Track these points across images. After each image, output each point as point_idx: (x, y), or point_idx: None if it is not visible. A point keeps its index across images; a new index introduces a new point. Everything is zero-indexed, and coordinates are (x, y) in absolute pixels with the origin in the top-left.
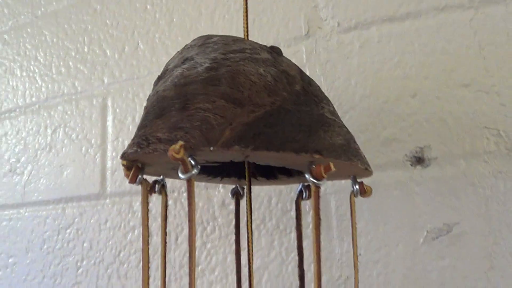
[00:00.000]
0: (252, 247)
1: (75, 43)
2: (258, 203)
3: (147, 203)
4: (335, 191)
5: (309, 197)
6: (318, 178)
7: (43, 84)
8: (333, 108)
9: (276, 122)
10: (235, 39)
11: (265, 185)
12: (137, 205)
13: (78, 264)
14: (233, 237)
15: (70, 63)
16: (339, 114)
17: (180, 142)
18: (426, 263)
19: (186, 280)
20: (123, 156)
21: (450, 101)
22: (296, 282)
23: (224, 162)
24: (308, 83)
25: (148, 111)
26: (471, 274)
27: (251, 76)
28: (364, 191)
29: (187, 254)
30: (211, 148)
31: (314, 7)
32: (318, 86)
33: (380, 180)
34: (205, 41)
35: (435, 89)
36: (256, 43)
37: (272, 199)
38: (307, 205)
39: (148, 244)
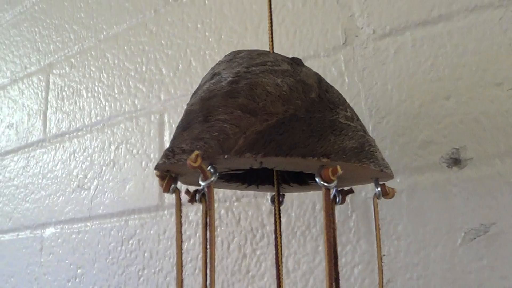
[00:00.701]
0: (281, 252)
1: (134, 64)
2: (303, 209)
3: (180, 211)
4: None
5: (342, 201)
6: (327, 180)
7: (106, 104)
8: (352, 113)
9: (287, 129)
10: (261, 53)
11: (299, 191)
12: (192, 215)
13: (140, 273)
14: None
15: (130, 82)
16: (377, 119)
17: (196, 152)
18: (464, 264)
19: (238, 286)
20: (156, 167)
21: (483, 101)
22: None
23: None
24: (325, 90)
25: (178, 125)
26: (510, 274)
27: (267, 87)
28: (386, 193)
29: (239, 261)
30: (225, 156)
31: (351, 17)
32: (338, 93)
33: (418, 182)
34: (234, 56)
35: (468, 89)
36: (280, 56)
37: (316, 205)
38: (348, 210)
39: (181, 249)
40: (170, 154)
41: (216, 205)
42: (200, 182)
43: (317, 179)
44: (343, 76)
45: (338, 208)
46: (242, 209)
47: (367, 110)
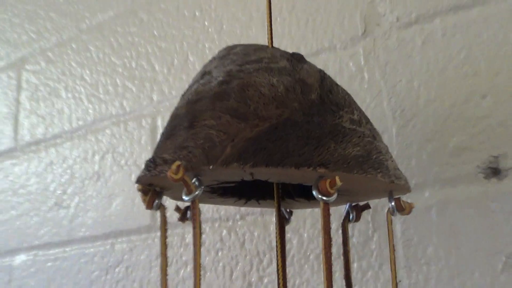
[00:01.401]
0: (283, 277)
1: (121, 58)
2: (317, 229)
3: (165, 230)
4: None
5: (357, 218)
6: (325, 193)
7: (89, 106)
8: (360, 116)
9: (280, 135)
10: (257, 48)
11: (308, 207)
12: (190, 237)
13: None
14: (292, 270)
15: (118, 80)
16: (402, 122)
17: (177, 162)
18: None
19: None
20: (137, 180)
21: None
22: None
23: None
24: (328, 91)
25: (162, 132)
26: None
27: (261, 88)
28: (401, 208)
29: None
30: (211, 167)
31: (371, 2)
32: (344, 93)
33: (450, 197)
34: (228, 52)
35: (508, 86)
36: (279, 51)
37: (333, 223)
38: (369, 230)
39: (166, 275)
40: (151, 165)
41: (217, 224)
42: (184, 197)
43: (314, 192)
44: (362, 72)
45: (357, 228)
46: (247, 229)
47: (390, 112)
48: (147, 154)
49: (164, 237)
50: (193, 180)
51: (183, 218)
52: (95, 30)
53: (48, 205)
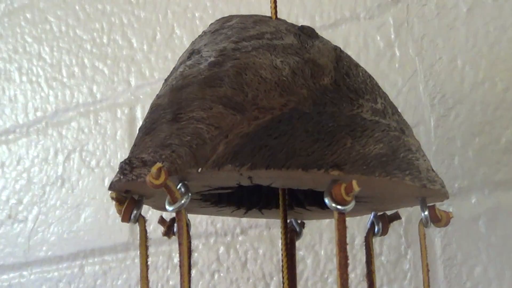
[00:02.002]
0: None
1: (90, 32)
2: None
3: (146, 247)
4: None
5: (383, 232)
6: (340, 201)
7: (50, 92)
8: (385, 105)
9: (285, 130)
10: (258, 20)
11: (322, 218)
12: (178, 256)
13: None
14: None
15: (85, 60)
16: (442, 111)
17: (158, 164)
18: None
19: None
20: (110, 186)
21: None
22: None
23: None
24: (344, 74)
25: (141, 126)
26: None
27: (261, 71)
28: (437, 219)
29: None
30: (199, 170)
31: None
32: (366, 76)
33: (503, 203)
34: (221, 26)
35: None
36: (284, 24)
37: (356, 238)
38: (402, 246)
39: None
40: (127, 167)
41: (212, 239)
42: (167, 207)
43: (326, 200)
44: (393, 47)
45: (387, 244)
46: (249, 246)
47: (427, 98)
48: (124, 153)
49: (145, 256)
50: (178, 186)
51: (168, 232)
52: None
53: (0, 219)
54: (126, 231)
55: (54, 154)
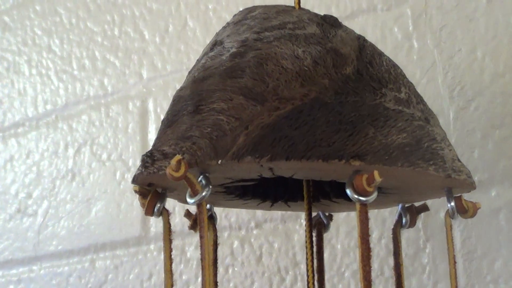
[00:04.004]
0: None
1: (101, 24)
2: (354, 239)
3: (170, 241)
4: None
5: (411, 223)
6: (362, 192)
7: (60, 85)
8: (409, 94)
9: (306, 120)
10: (280, 11)
11: (348, 210)
12: (192, 249)
13: None
14: None
15: (96, 52)
16: (461, 103)
17: (178, 156)
18: None
19: None
20: (133, 180)
21: None
22: None
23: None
24: (368, 62)
25: (163, 118)
26: None
27: (283, 61)
28: (464, 210)
29: None
30: (219, 162)
31: None
32: (390, 65)
33: None
34: (244, 17)
35: None
36: (307, 14)
37: (373, 231)
38: (420, 240)
39: None
40: (148, 160)
41: (226, 233)
42: (188, 199)
43: (347, 191)
44: (411, 39)
45: (405, 237)
46: (264, 240)
47: (446, 90)
48: (136, 146)
49: (168, 249)
50: (199, 179)
51: (194, 225)
52: None
53: (9, 213)
54: (137, 225)
55: (64, 147)
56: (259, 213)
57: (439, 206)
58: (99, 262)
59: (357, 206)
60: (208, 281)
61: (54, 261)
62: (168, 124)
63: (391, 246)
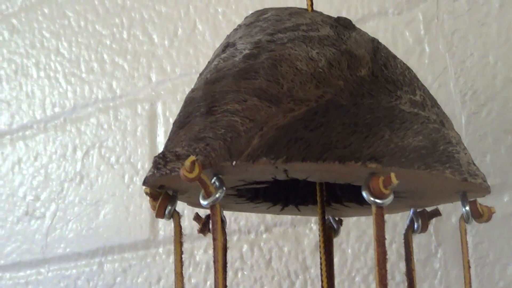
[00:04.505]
0: None
1: (110, 27)
2: (364, 243)
3: (181, 244)
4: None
5: (423, 228)
6: (378, 195)
7: (68, 88)
8: (424, 97)
9: (321, 122)
10: (293, 13)
11: (360, 215)
12: (201, 253)
13: None
14: None
15: (105, 55)
16: (473, 108)
17: (192, 157)
18: None
19: None
20: (144, 182)
21: None
22: None
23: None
24: (382, 65)
25: (175, 119)
26: None
27: (297, 63)
28: (478, 215)
29: None
30: (233, 163)
31: None
32: (404, 68)
33: None
34: (256, 19)
35: None
36: (320, 16)
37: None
38: (432, 244)
39: None
40: (161, 161)
41: (235, 237)
42: (201, 201)
43: (363, 193)
44: (422, 43)
45: (416, 242)
46: (274, 244)
47: (458, 94)
48: (145, 149)
49: (179, 252)
50: (213, 180)
51: (203, 229)
52: None
53: (17, 215)
54: (146, 228)
55: (72, 150)
56: (269, 217)
57: (451, 211)
58: (107, 265)
59: (373, 208)
60: (222, 284)
61: (62, 263)
62: (181, 125)
63: (402, 250)
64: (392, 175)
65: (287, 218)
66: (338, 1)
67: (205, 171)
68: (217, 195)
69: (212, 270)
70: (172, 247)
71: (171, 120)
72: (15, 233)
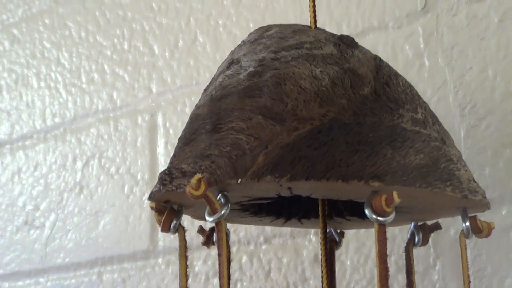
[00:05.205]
0: None
1: (110, 38)
2: (363, 255)
3: (186, 257)
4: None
5: (423, 241)
6: (380, 213)
7: (69, 98)
8: (425, 115)
9: (324, 141)
10: (297, 30)
11: (360, 228)
12: (200, 264)
13: None
14: None
15: (105, 66)
16: (472, 121)
17: (198, 175)
18: None
19: None
20: (150, 197)
21: None
22: None
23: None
24: (384, 83)
25: (181, 136)
26: None
27: (301, 81)
28: (478, 230)
29: None
30: (239, 181)
31: None
32: (406, 86)
33: None
34: (260, 35)
35: None
36: (323, 33)
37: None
38: (430, 257)
39: None
40: (167, 178)
41: (234, 248)
42: (207, 217)
43: (366, 211)
44: (422, 57)
45: (415, 254)
46: (273, 255)
47: (457, 108)
48: (144, 160)
49: (184, 266)
50: (218, 197)
51: (207, 241)
52: (75, 0)
53: (16, 225)
54: (146, 239)
55: (72, 160)
56: (268, 228)
57: (450, 223)
58: (106, 275)
59: (376, 226)
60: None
61: (61, 273)
62: (186, 142)
63: (400, 263)
64: (394, 193)
65: (286, 229)
66: (338, 15)
67: (210, 188)
68: (222, 212)
69: (211, 280)
70: (171, 257)
71: (171, 131)
72: (14, 243)
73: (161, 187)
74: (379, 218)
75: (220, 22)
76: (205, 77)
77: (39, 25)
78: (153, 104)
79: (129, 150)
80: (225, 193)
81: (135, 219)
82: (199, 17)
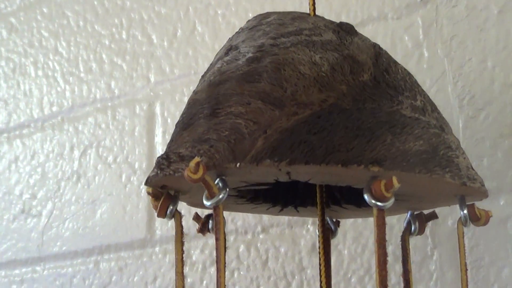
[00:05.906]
0: None
1: (109, 27)
2: (360, 245)
3: (182, 243)
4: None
5: (420, 230)
6: (380, 198)
7: (66, 87)
8: (424, 102)
9: (324, 126)
10: (296, 17)
11: (358, 217)
12: (197, 253)
13: None
14: None
15: (103, 55)
16: (471, 112)
17: (197, 159)
18: None
19: None
20: (147, 182)
21: None
22: None
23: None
24: (384, 70)
25: (178, 121)
26: None
27: (300, 67)
28: (476, 218)
29: None
30: (238, 165)
31: None
32: (405, 73)
33: None
34: (259, 22)
35: None
36: (322, 21)
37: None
38: (428, 247)
39: None
40: (164, 162)
41: (232, 237)
42: (204, 202)
43: (365, 196)
44: (421, 48)
45: (412, 244)
46: (270, 245)
47: (456, 99)
48: (142, 149)
49: (180, 252)
50: (216, 181)
51: (203, 229)
52: None
53: (13, 213)
54: (143, 228)
55: (69, 149)
56: (266, 217)
57: (447, 213)
58: (103, 264)
59: (374, 211)
60: (224, 284)
61: (57, 262)
62: (184, 126)
63: (397, 252)
64: (394, 178)
65: (284, 219)
66: (338, 5)
67: (208, 173)
68: (220, 196)
69: (208, 270)
70: (168, 246)
71: (169, 121)
72: (11, 231)
73: (159, 171)
74: (378, 203)
75: (219, 12)
76: (204, 67)
77: (37, 14)
78: (151, 93)
79: (126, 139)
80: (223, 177)
81: (133, 208)
82: (198, 7)
